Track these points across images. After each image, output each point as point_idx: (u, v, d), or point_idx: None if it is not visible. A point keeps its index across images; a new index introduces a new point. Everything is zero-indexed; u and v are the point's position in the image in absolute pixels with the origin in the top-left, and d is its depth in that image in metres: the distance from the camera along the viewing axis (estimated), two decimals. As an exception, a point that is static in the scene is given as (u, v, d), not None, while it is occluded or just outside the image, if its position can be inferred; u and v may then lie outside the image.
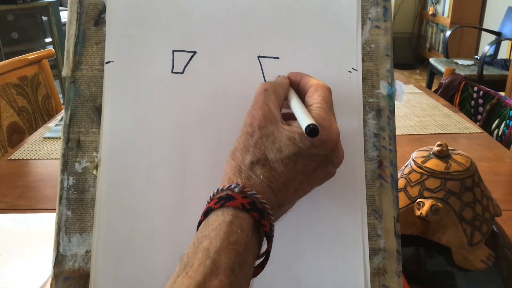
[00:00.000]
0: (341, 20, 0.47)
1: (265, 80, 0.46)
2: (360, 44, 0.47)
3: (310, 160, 0.38)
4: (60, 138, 0.46)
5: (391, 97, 0.47)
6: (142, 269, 0.43)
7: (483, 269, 0.55)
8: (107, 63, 0.46)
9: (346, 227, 0.45)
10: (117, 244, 0.44)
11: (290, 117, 0.40)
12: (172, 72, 0.46)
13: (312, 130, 0.35)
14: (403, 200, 0.59)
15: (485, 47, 2.79)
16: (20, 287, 0.59)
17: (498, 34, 3.30)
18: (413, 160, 0.61)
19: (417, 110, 1.32)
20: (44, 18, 3.18)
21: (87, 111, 0.45)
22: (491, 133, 1.35)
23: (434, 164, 0.59)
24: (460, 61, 3.08)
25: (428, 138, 1.12)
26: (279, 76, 0.45)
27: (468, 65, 3.01)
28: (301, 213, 0.44)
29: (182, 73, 0.46)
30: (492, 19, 3.85)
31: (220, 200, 0.35)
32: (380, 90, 0.47)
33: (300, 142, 0.37)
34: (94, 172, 0.44)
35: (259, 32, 0.47)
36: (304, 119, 0.37)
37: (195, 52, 0.46)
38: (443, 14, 4.27)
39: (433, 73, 3.12)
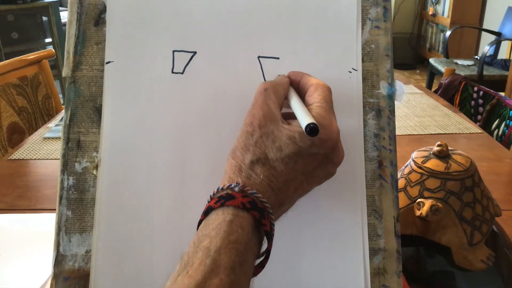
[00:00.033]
0: (341, 20, 0.47)
1: (265, 80, 0.46)
2: (360, 44, 0.47)
3: (310, 159, 0.38)
4: (60, 138, 0.46)
5: (391, 97, 0.47)
6: (142, 269, 0.43)
7: (483, 269, 0.55)
8: (107, 63, 0.46)
9: (346, 227, 0.45)
10: (117, 244, 0.44)
11: (290, 117, 0.40)
12: (172, 72, 0.46)
13: (312, 129, 0.35)
14: (403, 200, 0.59)
15: (485, 47, 2.79)
16: (20, 287, 0.59)
17: (498, 34, 3.30)
18: (413, 160, 0.61)
19: (417, 110, 1.32)
20: (44, 18, 3.18)
21: (87, 111, 0.45)
22: (491, 133, 1.35)
23: (434, 164, 0.59)
24: (460, 61, 3.08)
25: (428, 138, 1.12)
26: (279, 75, 0.45)
27: (468, 65, 3.01)
28: (301, 213, 0.44)
29: (182, 73, 0.46)
30: (492, 19, 3.85)
31: (220, 199, 0.35)
32: (380, 90, 0.47)
33: (300, 141, 0.37)
34: (94, 172, 0.44)
35: (259, 32, 0.47)
36: (304, 118, 0.37)
37: (195, 52, 0.46)
38: (443, 14, 4.27)
39: (433, 73, 3.12)
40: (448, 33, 3.38)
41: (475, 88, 1.50)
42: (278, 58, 0.47)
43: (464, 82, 1.56)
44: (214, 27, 0.47)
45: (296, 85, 0.43)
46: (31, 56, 1.47)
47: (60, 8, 3.26)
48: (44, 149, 1.06)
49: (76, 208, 0.44)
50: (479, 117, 1.46)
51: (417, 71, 4.67)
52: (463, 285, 0.58)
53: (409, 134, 1.15)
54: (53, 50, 1.60)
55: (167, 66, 0.46)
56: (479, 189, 0.59)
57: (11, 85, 1.37)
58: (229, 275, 0.31)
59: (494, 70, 2.92)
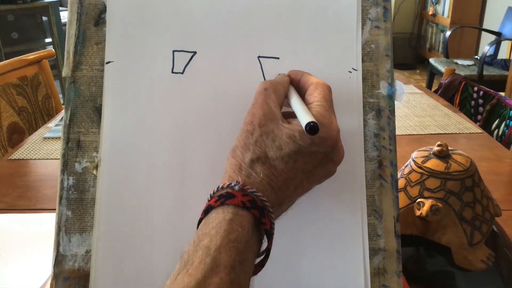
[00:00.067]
0: (341, 20, 0.47)
1: (265, 80, 0.46)
2: (360, 44, 0.47)
3: (310, 158, 0.38)
4: (60, 138, 0.46)
5: (391, 97, 0.47)
6: (142, 269, 0.43)
7: (483, 269, 0.55)
8: (107, 63, 0.46)
9: (346, 227, 0.45)
10: (117, 244, 0.44)
11: (290, 116, 0.40)
12: (172, 72, 0.46)
13: (312, 128, 0.35)
14: (403, 200, 0.59)
15: (485, 47, 2.79)
16: (20, 287, 0.59)
17: (498, 34, 3.30)
18: (413, 160, 0.61)
19: (417, 110, 1.32)
20: (44, 18, 3.18)
21: (87, 111, 0.45)
22: (491, 133, 1.35)
23: (434, 164, 0.59)
24: (460, 61, 3.08)
25: (428, 138, 1.12)
26: (279, 74, 0.45)
27: (468, 65, 3.01)
28: (301, 213, 0.44)
29: (182, 73, 0.46)
30: (492, 19, 3.85)
31: (220, 198, 0.35)
32: (380, 90, 0.47)
33: (300, 140, 0.37)
34: (94, 172, 0.44)
35: (259, 32, 0.47)
36: (304, 117, 0.37)
37: (195, 52, 0.46)
38: (443, 14, 4.27)
39: (433, 73, 3.12)
40: (448, 33, 3.38)
41: (475, 88, 1.50)
42: (278, 58, 0.47)
43: (464, 82, 1.56)
44: (214, 27, 0.47)
45: (296, 84, 0.43)
46: (31, 56, 1.47)
47: (60, 8, 3.26)
48: (44, 149, 1.06)
49: (76, 208, 0.44)
50: (479, 117, 1.46)
51: (417, 71, 4.67)
52: (463, 285, 0.58)
53: (409, 134, 1.15)
54: (53, 50, 1.60)
55: (167, 66, 0.46)
56: (479, 189, 0.59)
57: (11, 85, 1.37)
58: (229, 273, 0.31)
59: (494, 70, 2.92)
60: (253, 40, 0.47)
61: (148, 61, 0.46)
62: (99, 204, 0.44)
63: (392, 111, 0.47)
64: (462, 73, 2.51)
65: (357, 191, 0.45)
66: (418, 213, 0.56)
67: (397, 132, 0.60)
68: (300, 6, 0.47)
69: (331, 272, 0.44)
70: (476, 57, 3.20)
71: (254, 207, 0.34)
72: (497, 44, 3.19)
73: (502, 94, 1.96)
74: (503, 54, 3.26)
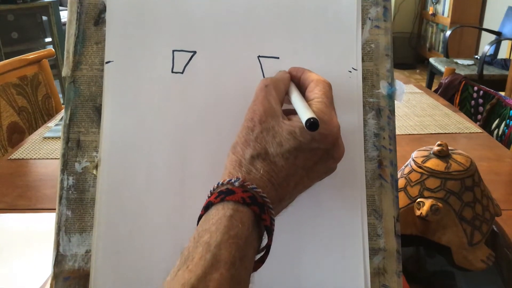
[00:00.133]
0: (341, 20, 0.47)
1: (265, 80, 0.46)
2: (360, 44, 0.47)
3: (310, 154, 0.38)
4: (60, 138, 0.46)
5: (391, 97, 0.47)
6: (142, 269, 0.43)
7: (483, 269, 0.55)
8: (107, 63, 0.46)
9: (346, 227, 0.45)
10: (117, 244, 0.44)
11: (291, 113, 0.40)
12: (172, 72, 0.46)
13: (312, 124, 0.35)
14: (403, 200, 0.59)
15: (485, 47, 2.79)
16: (20, 287, 0.59)
17: (498, 34, 3.30)
18: (413, 160, 0.61)
19: (417, 110, 1.32)
20: (44, 18, 3.18)
21: (87, 111, 0.45)
22: (491, 133, 1.35)
23: (434, 163, 0.59)
24: (460, 61, 3.08)
25: (428, 138, 1.12)
26: (280, 71, 0.45)
27: (468, 65, 3.01)
28: (301, 214, 0.44)
29: (182, 73, 0.46)
30: (492, 19, 3.85)
31: (221, 194, 0.35)
32: (380, 90, 0.47)
33: (301, 136, 0.37)
34: (94, 172, 0.44)
35: (259, 32, 0.47)
36: (304, 113, 0.37)
37: (195, 52, 0.46)
38: (443, 14, 4.27)
39: (433, 73, 3.12)
40: (448, 32, 3.37)
41: (475, 88, 1.50)
42: (278, 58, 0.47)
43: (464, 81, 1.56)
44: (214, 27, 0.47)
45: (297, 81, 0.43)
46: (31, 55, 1.47)
47: (60, 8, 3.26)
48: (44, 148, 1.06)
49: (76, 208, 0.44)
50: (479, 116, 1.46)
51: (417, 70, 4.67)
52: (463, 285, 0.58)
53: (409, 134, 1.15)
54: (53, 50, 1.60)
55: (167, 66, 0.46)
56: (479, 189, 0.59)
57: (11, 85, 1.37)
58: (229, 269, 0.31)
59: (494, 69, 2.92)
60: (253, 40, 0.47)
61: (148, 61, 0.46)
62: (99, 204, 0.44)
63: (392, 111, 0.47)
64: (462, 73, 2.50)
65: (357, 191, 0.45)
66: (418, 213, 0.56)
67: (397, 132, 0.60)
68: (300, 6, 0.47)
69: (331, 271, 0.44)
70: (476, 56, 3.19)
71: (254, 203, 0.34)
72: (497, 43, 3.19)
73: (502, 93, 1.96)
74: (503, 54, 3.26)
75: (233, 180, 0.36)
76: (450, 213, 0.56)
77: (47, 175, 0.93)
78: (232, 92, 0.46)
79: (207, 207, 0.35)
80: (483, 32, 3.93)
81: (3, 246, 0.68)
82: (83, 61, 0.46)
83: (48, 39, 3.23)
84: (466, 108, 1.52)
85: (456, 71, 1.66)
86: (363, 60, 0.47)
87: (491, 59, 3.03)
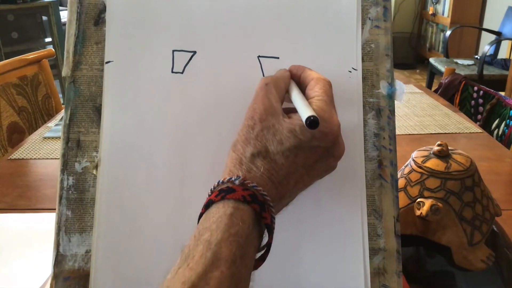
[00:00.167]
0: (341, 20, 0.47)
1: (265, 80, 0.46)
2: (360, 44, 0.47)
3: (311, 153, 0.38)
4: (60, 138, 0.46)
5: (391, 97, 0.47)
6: (142, 269, 0.43)
7: (483, 269, 0.55)
8: (107, 63, 0.46)
9: (346, 227, 0.45)
10: (117, 244, 0.44)
11: (291, 111, 0.40)
12: (172, 72, 0.46)
13: (312, 122, 0.35)
14: (403, 200, 0.59)
15: (485, 47, 2.79)
16: (20, 287, 0.59)
17: (498, 34, 3.30)
18: (413, 160, 0.61)
19: (417, 110, 1.32)
20: (44, 18, 3.18)
21: (87, 111, 0.45)
22: (491, 133, 1.35)
23: (434, 163, 0.59)
24: (460, 61, 3.08)
25: (428, 138, 1.12)
26: (280, 69, 0.45)
27: (468, 65, 3.01)
28: (302, 214, 0.44)
29: (182, 73, 0.46)
30: (492, 19, 3.85)
31: (221, 193, 0.35)
32: (380, 90, 0.47)
33: (301, 134, 0.37)
34: (94, 172, 0.44)
35: (259, 32, 0.47)
36: (304, 111, 0.37)
37: (195, 52, 0.46)
38: (443, 14, 4.27)
39: (433, 73, 3.12)
40: (448, 32, 3.38)
41: (475, 88, 1.50)
42: (278, 58, 0.47)
43: (464, 81, 1.56)
44: (214, 27, 0.47)
45: (297, 79, 0.44)
46: (31, 55, 1.47)
47: (60, 8, 3.25)
48: (44, 148, 1.06)
49: (76, 208, 0.44)
50: (479, 116, 1.46)
51: (417, 70, 4.67)
52: (463, 285, 0.58)
53: (409, 134, 1.15)
54: (53, 50, 1.60)
55: (167, 66, 0.46)
56: (479, 189, 0.59)
57: (11, 85, 1.37)
58: (229, 267, 0.31)
59: (494, 69, 2.92)
60: (253, 40, 0.47)
61: (148, 61, 0.46)
62: (99, 204, 0.44)
63: (392, 111, 0.47)
64: (462, 73, 2.51)
65: (357, 191, 0.45)
66: (418, 213, 0.56)
67: (397, 132, 0.60)
68: (300, 6, 0.47)
69: (331, 271, 0.44)
70: (476, 56, 3.19)
71: (255, 201, 0.34)
72: (497, 43, 3.19)
73: (502, 93, 1.96)
74: (503, 54, 3.26)
75: (233, 178, 0.36)
76: (450, 213, 0.56)
77: (47, 175, 0.93)
78: (232, 92, 0.46)
79: (207, 205, 0.35)
80: (483, 32, 3.93)
81: (3, 246, 0.68)
82: (83, 61, 0.46)
83: (48, 39, 3.23)
84: (466, 108, 1.52)
85: (456, 71, 1.66)
86: (363, 60, 0.47)
87: (491, 59, 3.03)
